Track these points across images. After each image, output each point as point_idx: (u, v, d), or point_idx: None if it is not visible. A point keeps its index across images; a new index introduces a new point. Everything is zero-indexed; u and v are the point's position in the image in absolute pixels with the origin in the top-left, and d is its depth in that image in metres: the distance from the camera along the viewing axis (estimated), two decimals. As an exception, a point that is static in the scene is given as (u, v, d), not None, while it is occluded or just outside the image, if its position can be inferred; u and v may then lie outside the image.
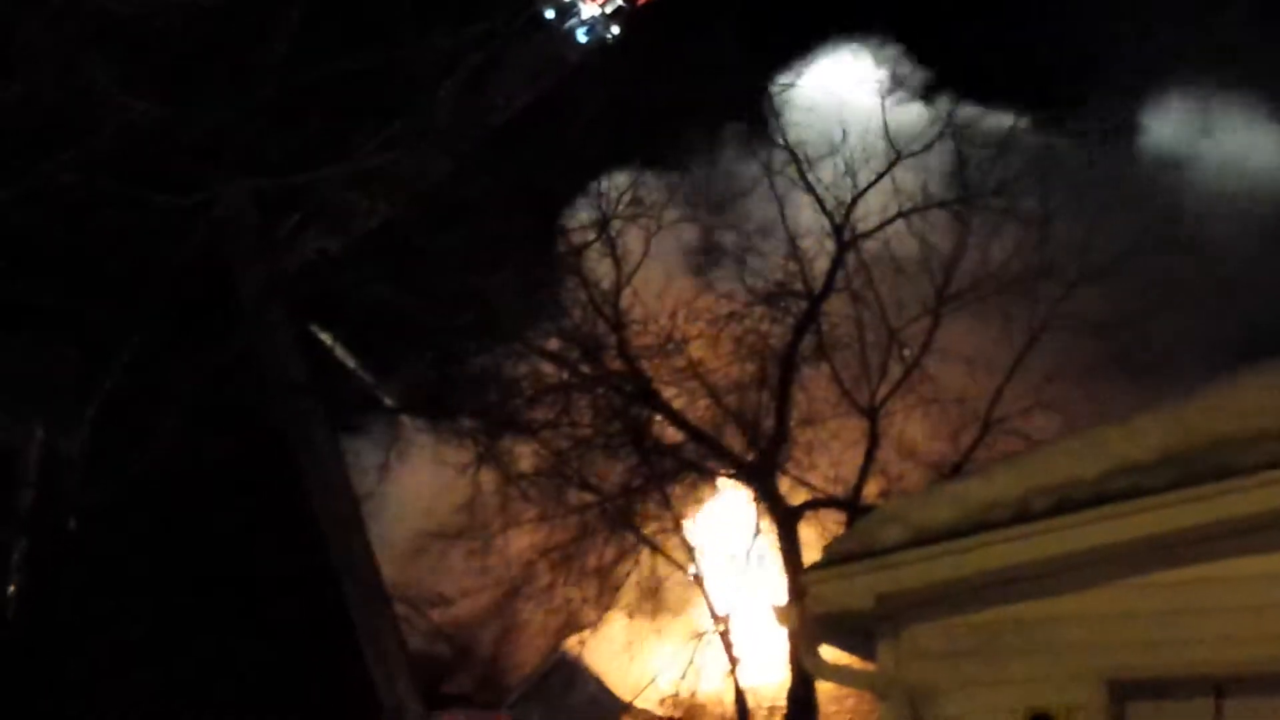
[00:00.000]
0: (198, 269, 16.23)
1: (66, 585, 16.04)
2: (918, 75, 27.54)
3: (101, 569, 16.10)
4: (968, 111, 25.84)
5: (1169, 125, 29.41)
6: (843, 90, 26.94)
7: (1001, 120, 26.11)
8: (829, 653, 11.45)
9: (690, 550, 25.44)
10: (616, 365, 25.04)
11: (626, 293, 25.16)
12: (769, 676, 25.87)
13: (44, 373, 16.04)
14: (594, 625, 26.08)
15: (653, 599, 25.88)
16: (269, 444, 18.26)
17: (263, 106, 15.27)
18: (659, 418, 25.13)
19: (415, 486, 27.22)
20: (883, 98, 26.16)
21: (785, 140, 25.90)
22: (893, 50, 28.21)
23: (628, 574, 25.35)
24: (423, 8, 16.54)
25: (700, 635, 25.60)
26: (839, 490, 24.98)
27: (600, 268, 25.38)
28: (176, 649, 16.33)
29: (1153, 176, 27.61)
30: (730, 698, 25.04)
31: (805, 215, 25.74)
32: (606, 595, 25.48)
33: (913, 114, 26.42)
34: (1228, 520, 10.02)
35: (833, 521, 24.62)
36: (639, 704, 27.04)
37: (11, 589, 16.25)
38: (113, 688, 15.74)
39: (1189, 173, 28.35)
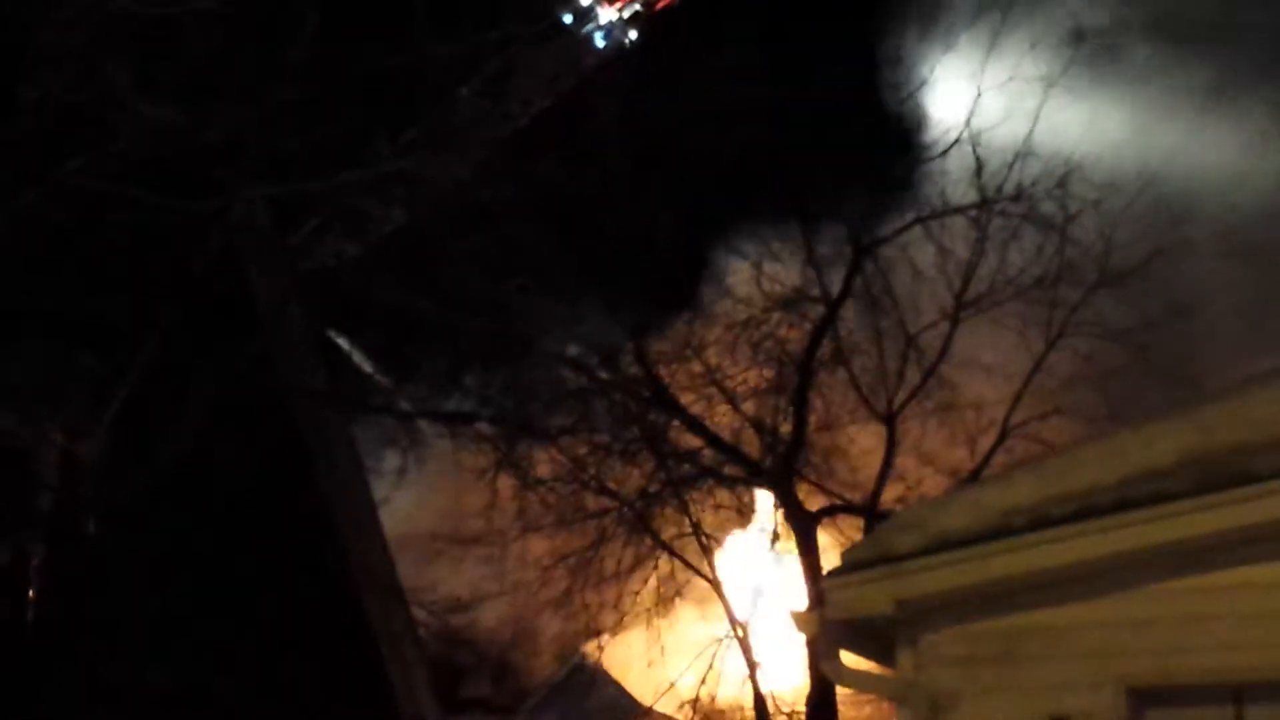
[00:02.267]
0: (215, 273, 16.20)
1: (85, 589, 16.01)
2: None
3: (119, 573, 16.07)
4: (986, 115, 25.60)
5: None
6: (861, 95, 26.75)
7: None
8: (848, 658, 11.54)
9: (708, 555, 25.33)
10: (634, 371, 24.91)
11: (644, 298, 25.05)
12: (788, 682, 25.85)
13: (61, 376, 16.02)
14: (612, 630, 25.99)
15: (671, 604, 25.82)
16: (286, 448, 18.23)
17: (280, 111, 15.24)
18: (676, 423, 25.02)
19: (433, 491, 27.19)
20: (900, 101, 26.01)
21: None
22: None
23: (646, 579, 25.27)
24: (441, 12, 16.48)
25: (719, 640, 25.44)
26: (857, 496, 24.90)
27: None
28: (193, 653, 16.29)
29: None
30: (750, 703, 24.96)
31: (823, 220, 25.62)
32: (625, 600, 25.39)
33: (931, 118, 26.26)
34: (1248, 526, 10.15)
35: (851, 527, 24.60)
36: (658, 709, 26.98)
37: (30, 593, 16.20)
38: (130, 691, 15.71)
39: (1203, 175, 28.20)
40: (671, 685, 26.26)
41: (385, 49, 16.27)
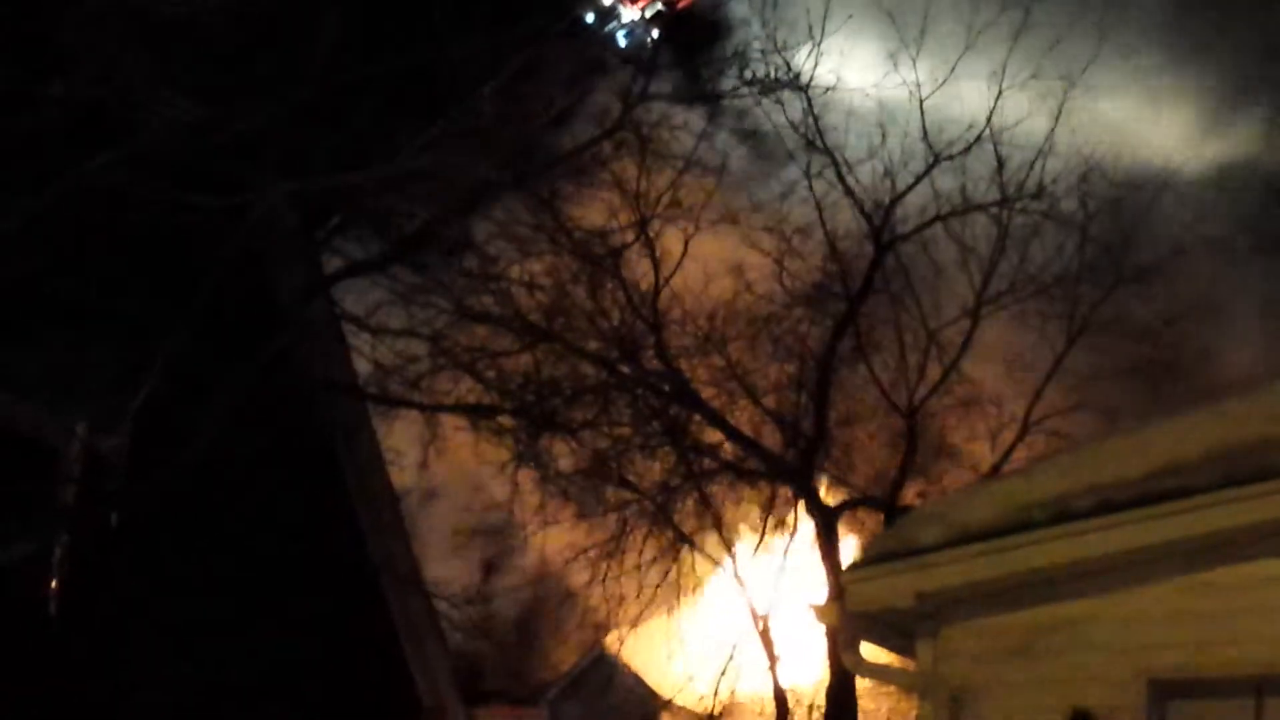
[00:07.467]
0: (239, 269, 16.20)
1: (108, 582, 16.03)
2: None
3: (142, 566, 16.10)
4: (1008, 113, 25.59)
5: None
6: (882, 92, 26.74)
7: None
8: (868, 651, 11.70)
9: (729, 548, 25.30)
10: (655, 365, 24.93)
11: (665, 294, 25.09)
12: (808, 675, 25.93)
13: (85, 370, 16.03)
14: (633, 623, 26.11)
15: (691, 597, 25.92)
16: (309, 442, 18.26)
17: (303, 107, 15.24)
18: (697, 418, 25.05)
19: (454, 484, 27.23)
20: (922, 100, 25.98)
21: (824, 143, 25.79)
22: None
23: (666, 572, 25.37)
24: (464, 10, 16.50)
25: (739, 633, 25.51)
26: (878, 491, 24.94)
27: (639, 269, 25.32)
28: (216, 646, 16.32)
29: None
30: (769, 695, 25.00)
31: (844, 217, 25.65)
32: (645, 593, 25.48)
33: (952, 116, 26.20)
34: (1272, 520, 10.08)
35: (872, 521, 24.73)
36: (678, 702, 27.02)
37: (54, 585, 16.21)
38: (153, 685, 15.73)
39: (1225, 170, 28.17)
40: (691, 678, 26.40)
41: (408, 46, 16.28)
